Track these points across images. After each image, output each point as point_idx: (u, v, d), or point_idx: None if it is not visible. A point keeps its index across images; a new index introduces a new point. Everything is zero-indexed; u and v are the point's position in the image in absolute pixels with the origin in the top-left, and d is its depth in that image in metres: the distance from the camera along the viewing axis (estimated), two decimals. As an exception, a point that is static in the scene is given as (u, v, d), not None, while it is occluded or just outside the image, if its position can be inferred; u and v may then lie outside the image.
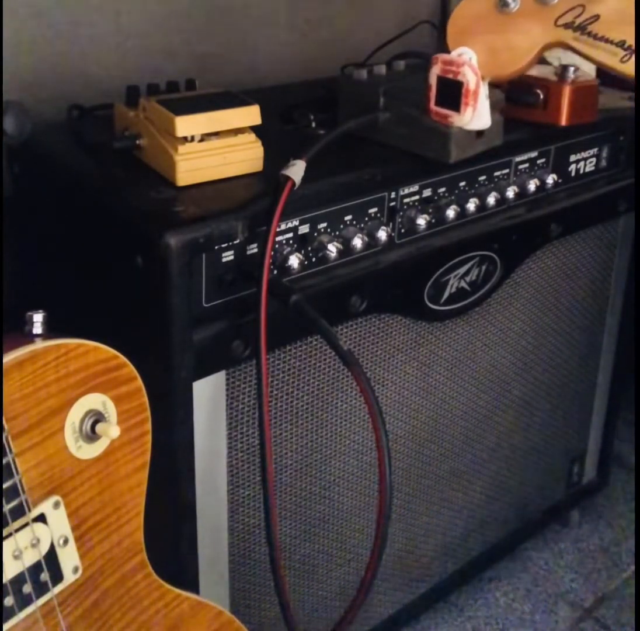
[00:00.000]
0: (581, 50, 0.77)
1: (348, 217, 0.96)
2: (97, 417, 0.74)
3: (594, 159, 1.25)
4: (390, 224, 1.01)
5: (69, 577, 0.75)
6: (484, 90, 0.84)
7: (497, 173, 1.11)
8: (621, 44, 0.75)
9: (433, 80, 0.84)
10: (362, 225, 0.98)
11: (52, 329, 0.72)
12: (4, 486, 0.68)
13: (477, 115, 0.84)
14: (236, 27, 1.38)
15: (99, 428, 0.74)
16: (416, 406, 1.17)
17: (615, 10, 0.75)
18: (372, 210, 0.98)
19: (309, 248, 0.94)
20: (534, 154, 1.15)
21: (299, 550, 1.11)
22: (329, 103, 1.10)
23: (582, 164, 1.23)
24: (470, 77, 0.82)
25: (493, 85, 0.92)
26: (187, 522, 0.95)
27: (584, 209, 1.27)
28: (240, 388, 0.95)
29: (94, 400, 0.74)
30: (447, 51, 0.87)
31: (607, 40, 0.76)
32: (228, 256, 0.87)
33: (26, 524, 0.71)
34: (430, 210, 1.04)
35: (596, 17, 0.76)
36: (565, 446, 1.49)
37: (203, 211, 0.86)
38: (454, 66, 0.82)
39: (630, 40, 0.75)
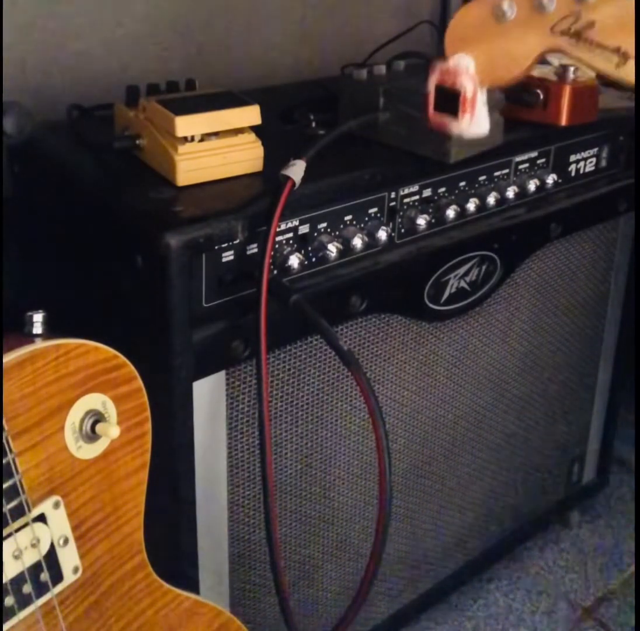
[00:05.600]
0: (578, 57, 0.77)
1: (348, 217, 0.96)
2: (97, 417, 0.74)
3: (594, 159, 1.25)
4: (390, 224, 1.01)
5: (69, 577, 0.75)
6: (482, 98, 0.84)
7: (497, 173, 1.11)
8: (616, 51, 0.75)
9: (431, 89, 0.84)
10: (362, 225, 0.98)
11: (52, 329, 0.72)
12: (4, 486, 0.68)
13: (475, 122, 0.84)
14: (236, 27, 1.38)
15: (99, 428, 0.74)
16: (416, 406, 1.17)
17: (610, 17, 0.75)
18: (372, 210, 0.98)
19: (309, 248, 0.94)
20: (534, 154, 1.15)
21: (299, 549, 1.11)
22: (329, 103, 1.10)
23: (582, 164, 1.23)
24: (468, 85, 0.82)
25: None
26: (187, 522, 0.95)
27: (584, 209, 1.26)
28: (240, 388, 0.95)
29: (94, 400, 0.74)
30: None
31: (602, 47, 0.76)
32: (228, 256, 0.87)
33: (26, 524, 0.71)
34: (430, 210, 1.04)
35: (592, 24, 0.76)
36: (565, 446, 1.49)
37: (203, 211, 0.86)
38: (452, 74, 0.83)
39: (625, 46, 0.75)
